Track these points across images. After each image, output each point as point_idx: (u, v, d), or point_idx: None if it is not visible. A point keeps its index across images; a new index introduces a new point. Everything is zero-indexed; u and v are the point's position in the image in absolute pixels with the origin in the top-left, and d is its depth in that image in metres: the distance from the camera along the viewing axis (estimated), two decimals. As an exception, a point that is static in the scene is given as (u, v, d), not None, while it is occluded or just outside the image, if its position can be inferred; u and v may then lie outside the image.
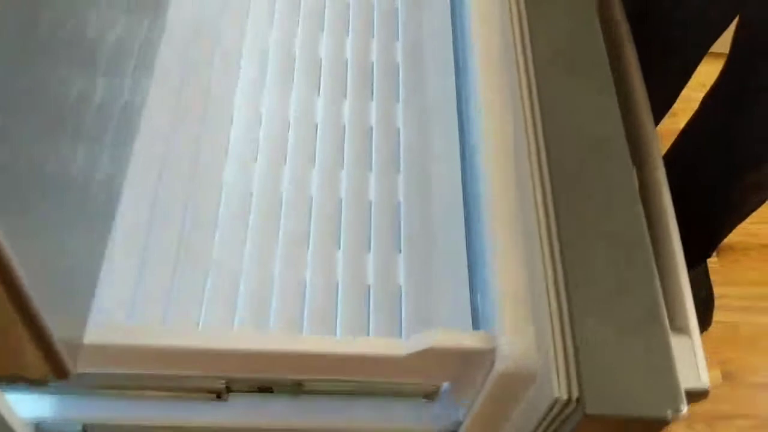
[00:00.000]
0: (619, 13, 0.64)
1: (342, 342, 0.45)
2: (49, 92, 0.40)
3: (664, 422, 0.37)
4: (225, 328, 0.54)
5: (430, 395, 0.54)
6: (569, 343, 0.39)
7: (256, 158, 0.65)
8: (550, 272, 0.42)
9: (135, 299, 0.56)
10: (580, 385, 0.38)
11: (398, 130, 0.68)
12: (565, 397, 0.38)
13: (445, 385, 0.52)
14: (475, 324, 0.57)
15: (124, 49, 0.56)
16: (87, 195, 0.44)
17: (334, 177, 0.65)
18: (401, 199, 0.64)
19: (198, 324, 0.56)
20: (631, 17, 0.63)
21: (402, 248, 0.61)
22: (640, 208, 0.46)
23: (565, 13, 0.56)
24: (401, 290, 0.59)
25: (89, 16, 0.47)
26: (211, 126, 0.67)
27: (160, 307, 0.57)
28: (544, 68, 0.54)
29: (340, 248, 0.61)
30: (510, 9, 0.61)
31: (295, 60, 0.72)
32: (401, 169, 0.66)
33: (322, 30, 0.75)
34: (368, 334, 0.56)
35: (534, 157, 0.49)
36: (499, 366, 0.42)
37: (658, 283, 0.42)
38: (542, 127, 0.51)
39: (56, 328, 0.35)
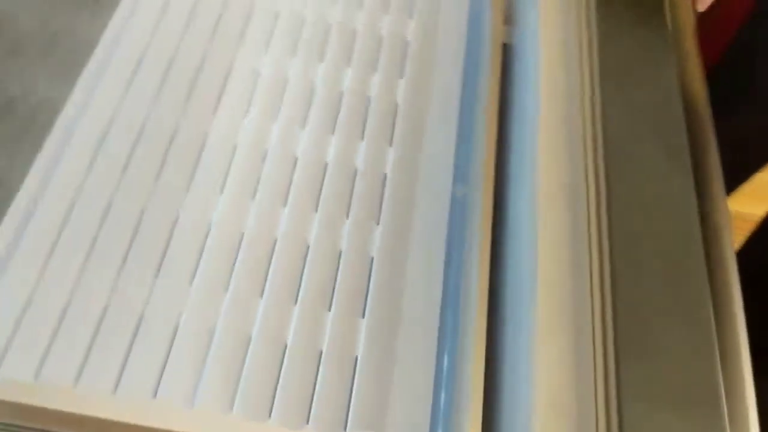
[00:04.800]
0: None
1: None
2: None
3: None
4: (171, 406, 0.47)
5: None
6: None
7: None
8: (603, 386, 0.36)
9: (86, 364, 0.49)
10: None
11: (385, 175, 0.62)
12: None
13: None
14: (434, 425, 0.49)
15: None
16: None
17: (300, 224, 0.58)
18: (374, 254, 0.57)
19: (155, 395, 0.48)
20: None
21: (365, 317, 0.54)
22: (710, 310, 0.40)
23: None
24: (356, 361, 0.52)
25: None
26: (185, 165, 0.61)
27: (113, 375, 0.49)
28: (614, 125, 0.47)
29: (296, 303, 0.54)
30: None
31: (285, 89, 0.66)
32: (380, 220, 0.59)
33: (322, 59, 0.69)
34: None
35: (595, 241, 0.43)
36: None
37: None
38: (606, 198, 0.44)
39: None
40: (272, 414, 0.48)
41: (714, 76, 0.54)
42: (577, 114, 0.48)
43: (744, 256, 0.47)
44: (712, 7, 0.53)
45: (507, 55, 0.70)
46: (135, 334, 0.50)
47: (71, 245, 0.54)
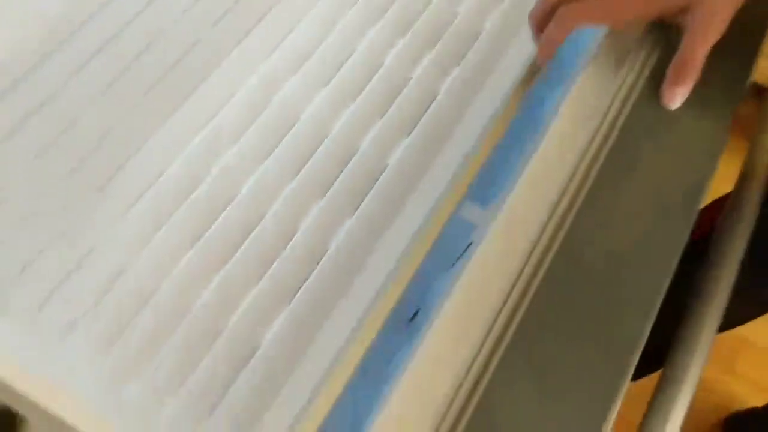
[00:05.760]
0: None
1: None
2: None
3: None
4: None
5: None
6: None
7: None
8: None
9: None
10: None
11: (386, 166, 0.53)
12: None
13: None
14: None
15: None
16: None
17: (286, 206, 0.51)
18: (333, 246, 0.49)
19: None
20: None
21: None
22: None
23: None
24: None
25: None
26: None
27: None
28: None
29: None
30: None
31: (314, 51, 0.59)
32: (358, 214, 0.50)
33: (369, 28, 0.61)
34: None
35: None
36: None
37: None
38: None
39: None
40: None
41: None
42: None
43: None
44: None
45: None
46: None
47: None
